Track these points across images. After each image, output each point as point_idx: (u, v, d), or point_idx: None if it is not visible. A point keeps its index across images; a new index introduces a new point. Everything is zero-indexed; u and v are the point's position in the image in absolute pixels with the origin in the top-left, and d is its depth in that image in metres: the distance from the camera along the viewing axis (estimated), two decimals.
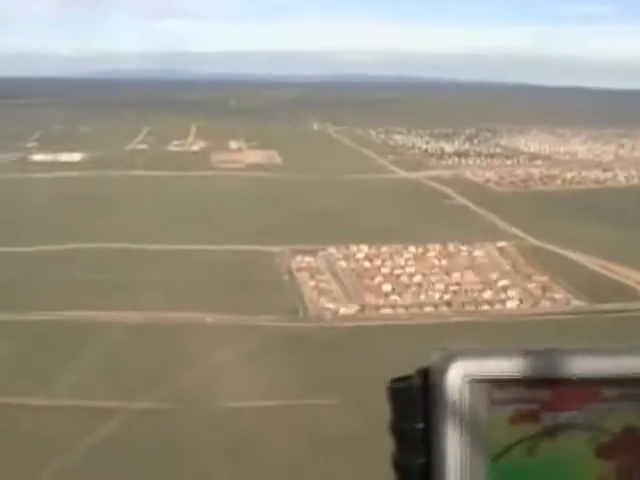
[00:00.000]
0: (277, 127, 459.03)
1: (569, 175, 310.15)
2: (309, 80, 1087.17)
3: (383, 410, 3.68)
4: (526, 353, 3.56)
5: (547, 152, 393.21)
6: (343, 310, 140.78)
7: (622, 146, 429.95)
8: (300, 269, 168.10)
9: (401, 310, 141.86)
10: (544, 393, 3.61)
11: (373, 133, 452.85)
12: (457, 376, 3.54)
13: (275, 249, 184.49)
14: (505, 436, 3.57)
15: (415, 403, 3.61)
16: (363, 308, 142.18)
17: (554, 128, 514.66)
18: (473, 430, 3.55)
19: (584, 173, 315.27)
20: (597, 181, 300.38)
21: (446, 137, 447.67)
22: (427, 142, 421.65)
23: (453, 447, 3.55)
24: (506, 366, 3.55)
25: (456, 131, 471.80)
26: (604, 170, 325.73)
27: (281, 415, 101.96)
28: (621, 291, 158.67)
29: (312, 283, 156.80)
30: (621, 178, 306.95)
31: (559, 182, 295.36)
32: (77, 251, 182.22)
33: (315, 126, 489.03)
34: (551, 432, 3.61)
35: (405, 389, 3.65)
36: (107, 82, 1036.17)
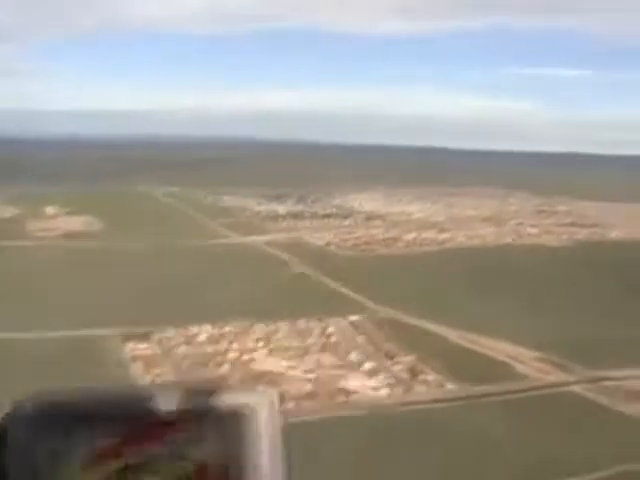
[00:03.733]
0: (98, 189, 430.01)
1: (410, 236, 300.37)
2: (133, 139, 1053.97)
3: None
4: (104, 391, 3.80)
5: (383, 212, 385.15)
6: None
7: (453, 205, 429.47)
8: (134, 359, 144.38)
9: None
10: (125, 429, 3.75)
11: (202, 194, 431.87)
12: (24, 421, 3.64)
13: (102, 333, 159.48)
14: (91, 476, 3.67)
15: None
16: None
17: (387, 187, 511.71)
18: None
19: (424, 234, 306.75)
20: (438, 242, 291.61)
21: (278, 198, 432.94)
22: (259, 203, 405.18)
23: None
24: (82, 405, 3.68)
25: (288, 191, 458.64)
26: (440, 231, 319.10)
27: None
28: (495, 368, 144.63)
29: (148, 378, 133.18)
30: (461, 239, 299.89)
31: (402, 244, 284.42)
32: None
33: (139, 188, 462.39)
34: (136, 467, 3.75)
35: None
36: None
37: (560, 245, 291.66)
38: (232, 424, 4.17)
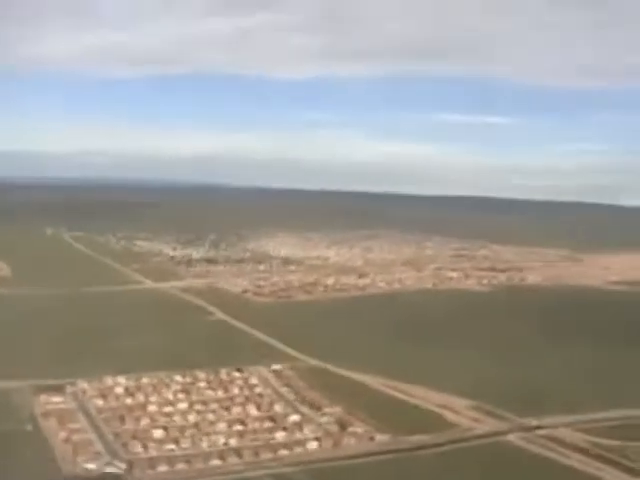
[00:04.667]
0: (5, 233, 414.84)
1: (329, 281, 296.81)
2: (41, 182, 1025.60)
3: None
4: None
5: (299, 256, 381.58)
6: (109, 470, 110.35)
7: (370, 249, 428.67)
8: (47, 414, 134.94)
9: (182, 465, 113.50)
10: None
11: (113, 239, 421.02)
12: None
13: (11, 385, 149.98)
14: None
15: None
16: (131, 465, 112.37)
17: (300, 232, 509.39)
18: None
19: (343, 279, 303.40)
20: (358, 287, 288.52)
21: (192, 242, 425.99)
22: (174, 248, 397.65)
23: None
24: None
25: (201, 236, 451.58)
26: (360, 276, 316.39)
27: None
28: (423, 417, 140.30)
29: (63, 434, 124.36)
30: (381, 284, 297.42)
31: (321, 289, 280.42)
32: None
33: (49, 231, 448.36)
34: None
35: None
36: None
37: (481, 290, 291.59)
38: None
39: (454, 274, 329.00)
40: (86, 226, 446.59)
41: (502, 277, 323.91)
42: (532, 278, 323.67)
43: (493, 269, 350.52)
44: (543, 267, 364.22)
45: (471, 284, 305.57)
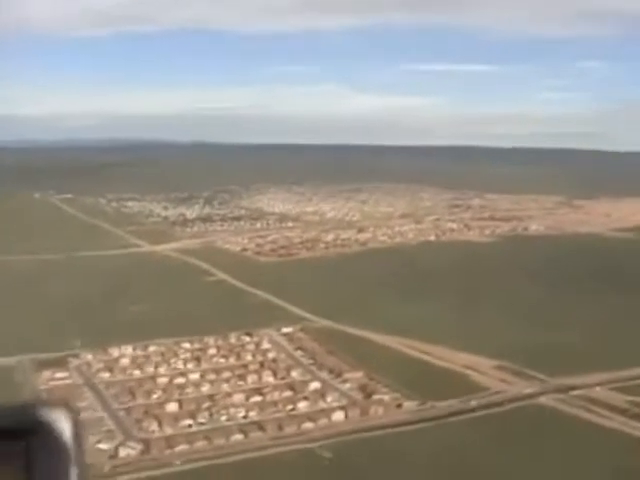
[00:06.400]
0: None
1: (329, 237, 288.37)
2: (28, 145, 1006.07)
3: None
4: None
5: (294, 212, 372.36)
6: (123, 453, 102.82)
7: (365, 203, 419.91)
8: (51, 390, 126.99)
9: (202, 443, 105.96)
10: None
11: (103, 201, 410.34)
12: None
13: (10, 361, 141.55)
14: None
15: None
16: (149, 446, 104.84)
17: (290, 186, 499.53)
18: None
19: (343, 234, 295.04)
20: (360, 242, 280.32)
21: (184, 201, 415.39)
22: (165, 208, 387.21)
23: None
24: None
25: (192, 194, 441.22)
26: (360, 230, 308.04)
27: None
28: (451, 380, 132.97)
29: None
30: (382, 238, 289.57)
31: (322, 246, 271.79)
32: None
33: (37, 195, 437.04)
34: None
35: None
36: None
37: (485, 241, 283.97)
38: (37, 439, 4.35)
39: (454, 225, 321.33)
40: (74, 188, 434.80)
41: (504, 227, 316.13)
42: (535, 227, 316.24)
43: (493, 218, 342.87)
44: (543, 215, 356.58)
45: (474, 235, 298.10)
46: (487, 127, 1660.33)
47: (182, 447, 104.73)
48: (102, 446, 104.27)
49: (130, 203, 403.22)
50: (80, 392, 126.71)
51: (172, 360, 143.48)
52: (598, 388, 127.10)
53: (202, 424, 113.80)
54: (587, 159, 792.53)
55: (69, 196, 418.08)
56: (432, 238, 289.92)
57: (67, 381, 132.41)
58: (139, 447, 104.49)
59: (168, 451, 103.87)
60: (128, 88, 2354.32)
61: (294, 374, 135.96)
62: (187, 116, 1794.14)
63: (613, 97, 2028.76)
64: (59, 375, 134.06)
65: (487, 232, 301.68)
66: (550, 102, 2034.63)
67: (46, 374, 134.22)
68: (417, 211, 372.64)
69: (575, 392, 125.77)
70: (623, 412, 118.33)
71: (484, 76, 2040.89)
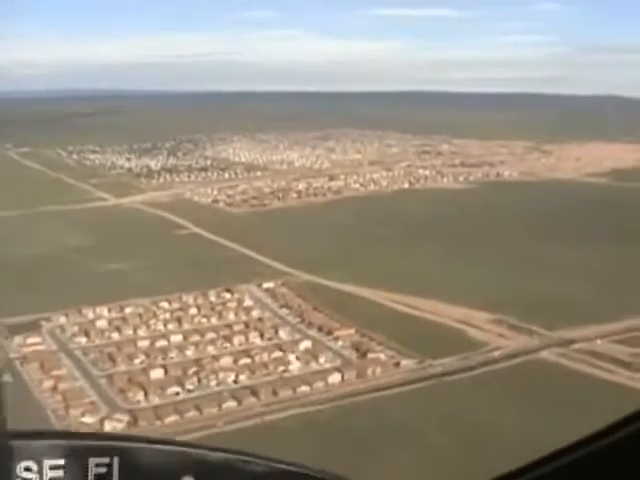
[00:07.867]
0: None
1: (300, 186, 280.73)
2: None
3: None
4: None
5: (262, 161, 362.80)
6: (109, 426, 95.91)
7: (332, 150, 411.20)
8: (25, 359, 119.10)
9: (193, 413, 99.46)
10: None
11: (64, 154, 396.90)
12: None
13: None
14: None
15: None
16: (136, 419, 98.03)
17: (254, 134, 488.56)
18: None
19: (314, 183, 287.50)
20: (333, 191, 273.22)
21: (147, 152, 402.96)
22: (128, 159, 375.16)
23: None
24: None
25: (155, 144, 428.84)
26: (331, 178, 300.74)
27: None
28: (444, 335, 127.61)
29: (49, 383, 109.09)
30: (355, 185, 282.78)
31: (295, 195, 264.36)
32: None
33: None
34: None
35: None
36: None
37: (461, 187, 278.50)
38: None
39: (426, 172, 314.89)
40: (31, 141, 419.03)
41: (477, 173, 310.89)
42: (508, 173, 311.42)
43: (464, 165, 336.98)
44: (514, 161, 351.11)
45: (448, 182, 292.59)
46: (447, 72, 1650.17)
47: (172, 418, 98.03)
48: (86, 420, 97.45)
49: (92, 155, 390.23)
50: (57, 359, 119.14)
51: (151, 322, 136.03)
52: (599, 341, 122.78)
53: (191, 391, 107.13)
54: (550, 103, 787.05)
55: (27, 149, 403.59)
56: (406, 186, 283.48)
57: (41, 347, 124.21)
58: (126, 419, 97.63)
59: (158, 422, 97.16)
60: (93, 37, 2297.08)
61: (282, 334, 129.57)
62: (140, 64, 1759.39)
63: (572, 40, 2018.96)
64: (32, 340, 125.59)
65: (461, 179, 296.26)
66: (510, 46, 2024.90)
67: (17, 339, 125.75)
68: (386, 158, 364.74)
69: (576, 345, 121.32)
70: (627, 366, 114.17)
71: (442, 20, 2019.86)
